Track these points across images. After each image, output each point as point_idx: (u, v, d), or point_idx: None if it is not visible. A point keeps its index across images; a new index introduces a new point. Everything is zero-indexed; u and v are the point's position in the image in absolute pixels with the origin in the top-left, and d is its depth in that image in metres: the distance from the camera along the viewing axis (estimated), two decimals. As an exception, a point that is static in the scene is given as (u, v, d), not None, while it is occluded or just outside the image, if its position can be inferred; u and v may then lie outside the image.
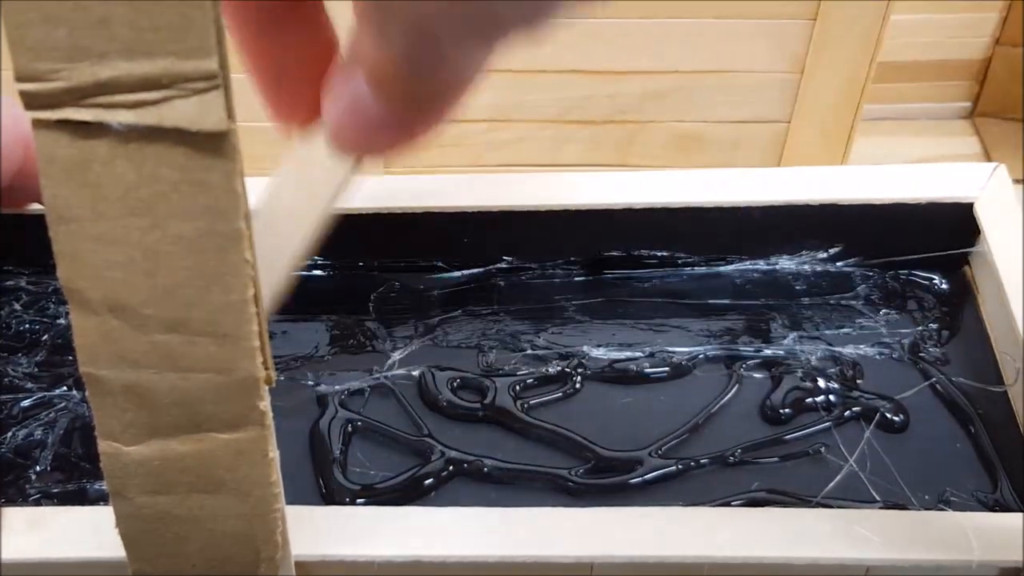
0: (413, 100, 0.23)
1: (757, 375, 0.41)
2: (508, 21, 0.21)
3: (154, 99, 0.21)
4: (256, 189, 0.40)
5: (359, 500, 0.36)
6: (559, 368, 0.41)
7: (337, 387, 0.40)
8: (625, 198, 0.42)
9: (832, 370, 0.40)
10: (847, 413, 0.39)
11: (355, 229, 0.42)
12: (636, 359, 0.41)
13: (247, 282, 0.23)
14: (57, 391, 0.40)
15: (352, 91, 0.23)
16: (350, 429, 0.39)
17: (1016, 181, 0.44)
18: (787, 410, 0.39)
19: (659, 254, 0.44)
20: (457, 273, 0.44)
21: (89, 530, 0.31)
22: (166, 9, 0.20)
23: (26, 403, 0.40)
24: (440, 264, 0.44)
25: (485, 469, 0.37)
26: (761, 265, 0.44)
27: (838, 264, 0.44)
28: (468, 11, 0.20)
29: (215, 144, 0.21)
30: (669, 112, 0.50)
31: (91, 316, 0.23)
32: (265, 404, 0.25)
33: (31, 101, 0.21)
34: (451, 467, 0.37)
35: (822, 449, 0.38)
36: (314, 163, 0.28)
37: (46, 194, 0.22)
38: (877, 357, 0.41)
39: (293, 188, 0.30)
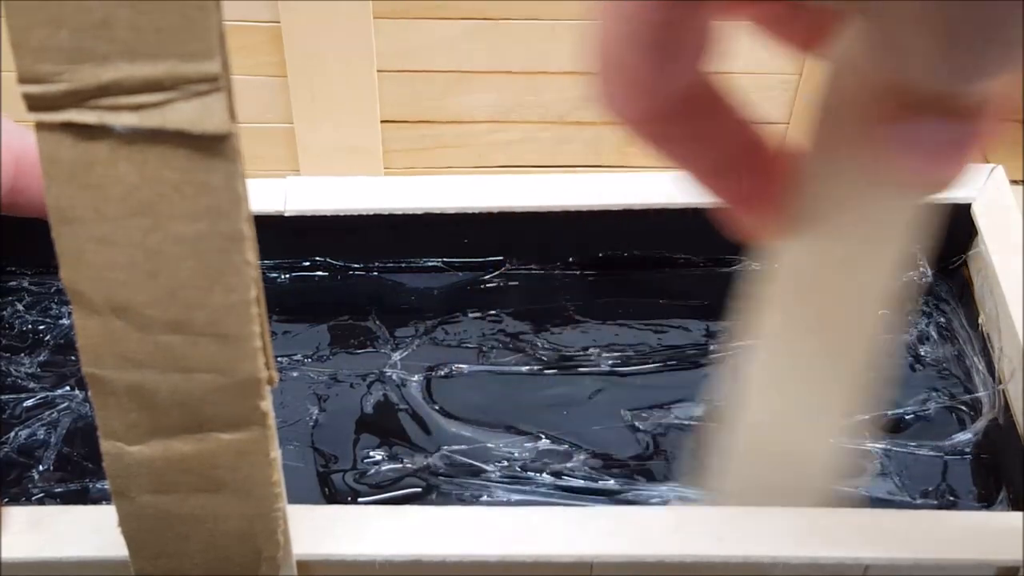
0: (967, 110, 0.22)
1: (756, 375, 0.41)
2: None
3: (156, 101, 0.21)
4: (257, 190, 0.41)
5: (360, 499, 0.37)
6: (559, 370, 0.41)
7: (338, 387, 0.40)
8: (625, 198, 0.42)
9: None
10: (846, 413, 0.39)
11: (355, 229, 0.43)
12: (636, 359, 0.41)
13: (249, 283, 0.23)
14: (60, 391, 0.40)
15: (910, 133, 0.22)
16: (351, 429, 0.39)
17: (1014, 182, 0.44)
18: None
19: (659, 254, 0.44)
20: (457, 273, 0.44)
21: (91, 529, 0.31)
22: (168, 11, 0.20)
23: (29, 403, 0.40)
24: (440, 264, 0.44)
25: (486, 468, 0.37)
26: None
27: (837, 264, 0.44)
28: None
29: (217, 146, 0.21)
30: (669, 113, 0.50)
31: (93, 316, 0.23)
32: (267, 404, 0.25)
33: (34, 103, 0.21)
34: (452, 466, 0.38)
35: (821, 449, 0.38)
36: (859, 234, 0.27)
37: (49, 196, 0.22)
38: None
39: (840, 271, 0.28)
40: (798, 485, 0.31)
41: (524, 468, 0.37)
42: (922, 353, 0.41)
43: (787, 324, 0.29)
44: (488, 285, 0.44)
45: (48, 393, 0.40)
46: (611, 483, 0.37)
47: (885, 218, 0.26)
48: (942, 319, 0.42)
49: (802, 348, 0.29)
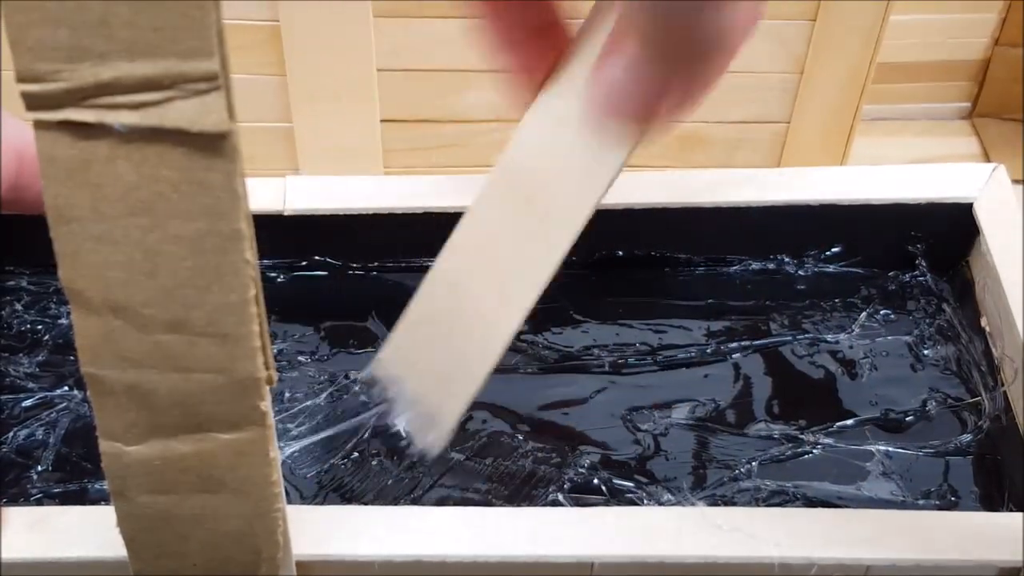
0: (685, 62, 0.23)
1: (757, 375, 0.41)
2: None
3: (155, 100, 0.21)
4: (256, 189, 0.41)
5: (360, 500, 0.37)
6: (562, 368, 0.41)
7: (337, 387, 0.40)
8: (625, 198, 0.42)
9: (832, 370, 0.40)
10: (847, 413, 0.39)
11: (355, 229, 0.42)
12: (636, 359, 0.41)
13: (248, 282, 0.23)
14: (58, 391, 0.40)
15: (624, 61, 0.23)
16: (351, 429, 0.39)
17: (1015, 181, 0.43)
18: (787, 410, 0.39)
19: (659, 254, 0.44)
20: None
21: (90, 530, 0.31)
22: (167, 10, 0.20)
23: (27, 403, 0.40)
24: (440, 264, 0.44)
25: (487, 468, 0.37)
26: (761, 265, 0.44)
27: (838, 264, 0.44)
28: None
29: (215, 144, 0.21)
30: (669, 112, 0.50)
31: (92, 316, 0.23)
32: (266, 404, 0.25)
33: (32, 102, 0.21)
34: (453, 466, 0.37)
35: (822, 449, 0.38)
36: (574, 146, 0.27)
37: (47, 194, 0.22)
38: (877, 357, 0.41)
39: (548, 176, 0.28)
40: (452, 367, 0.31)
41: (525, 466, 0.37)
42: (924, 354, 0.41)
43: (492, 217, 0.30)
44: (488, 285, 0.44)
45: (47, 393, 0.40)
46: (612, 483, 0.37)
47: (586, 149, 0.27)
48: (943, 320, 0.42)
49: (498, 235, 0.30)
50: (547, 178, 0.28)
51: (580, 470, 0.37)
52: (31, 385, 0.40)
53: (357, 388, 0.36)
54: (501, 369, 0.41)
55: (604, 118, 0.25)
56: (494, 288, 0.30)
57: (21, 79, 0.21)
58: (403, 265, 0.44)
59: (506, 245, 0.29)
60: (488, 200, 0.30)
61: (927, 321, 0.42)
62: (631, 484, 0.37)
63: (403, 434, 0.33)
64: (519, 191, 0.29)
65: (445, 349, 0.31)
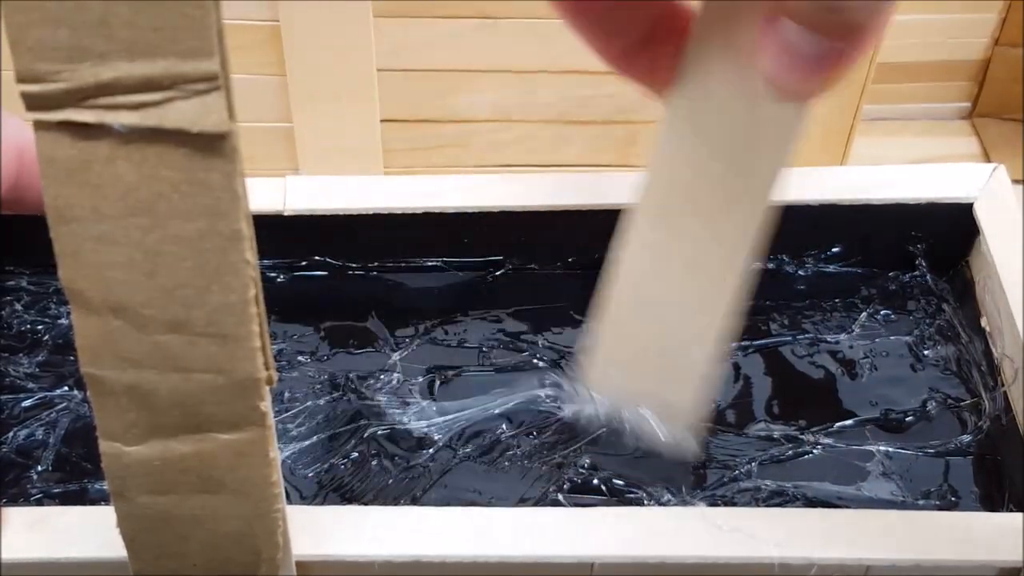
0: (841, 30, 0.24)
1: (757, 375, 0.41)
2: None
3: (155, 100, 0.21)
4: (256, 189, 0.41)
5: (360, 500, 0.37)
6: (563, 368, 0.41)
7: (338, 387, 0.40)
8: (625, 198, 0.42)
9: (832, 370, 0.40)
10: (847, 413, 0.39)
11: (355, 229, 0.42)
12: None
13: (247, 282, 0.23)
14: (58, 391, 0.40)
15: (781, 36, 0.24)
16: (351, 429, 0.39)
17: (1015, 181, 0.43)
18: (787, 410, 0.39)
19: (659, 254, 0.44)
20: (457, 273, 0.44)
21: (90, 530, 0.31)
22: (167, 10, 0.20)
23: (27, 403, 0.40)
24: (440, 264, 0.44)
25: (487, 468, 0.37)
26: (761, 265, 0.44)
27: (838, 264, 0.44)
28: None
29: (215, 145, 0.21)
30: (669, 112, 0.50)
31: (92, 316, 0.23)
32: (266, 404, 0.25)
33: (32, 102, 0.21)
34: (453, 466, 0.37)
35: (822, 449, 0.38)
36: (739, 121, 0.27)
37: (47, 195, 0.22)
38: (877, 357, 0.41)
39: (711, 150, 0.28)
40: (663, 374, 0.30)
41: (525, 466, 0.37)
42: (923, 354, 0.41)
43: (668, 203, 0.29)
44: (488, 285, 0.44)
45: (47, 393, 0.40)
46: (612, 483, 0.37)
47: (761, 118, 0.27)
48: (943, 320, 0.42)
49: (681, 232, 0.29)
50: (731, 143, 0.27)
51: (580, 470, 0.37)
52: (31, 385, 0.40)
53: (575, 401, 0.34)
54: (500, 369, 0.41)
55: (777, 93, 0.25)
56: (696, 261, 0.29)
57: (21, 79, 0.21)
58: (403, 265, 0.44)
59: (696, 225, 0.29)
60: (662, 182, 0.29)
61: (927, 321, 0.42)
62: (631, 484, 0.37)
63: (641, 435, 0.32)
64: (699, 164, 0.28)
65: (657, 344, 0.30)
